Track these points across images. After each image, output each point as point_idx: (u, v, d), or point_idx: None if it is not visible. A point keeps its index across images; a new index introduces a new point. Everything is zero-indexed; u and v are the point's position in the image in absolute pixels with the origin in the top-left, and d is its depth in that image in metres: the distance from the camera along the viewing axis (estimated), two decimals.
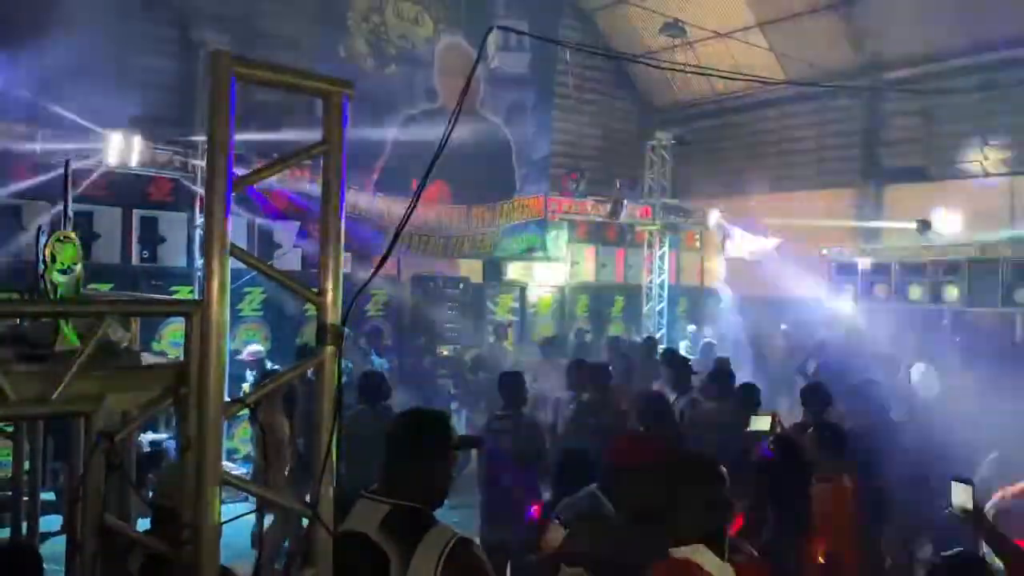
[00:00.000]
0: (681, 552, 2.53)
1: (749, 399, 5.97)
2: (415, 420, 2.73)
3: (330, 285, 1.91)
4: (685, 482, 2.71)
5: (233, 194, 1.76)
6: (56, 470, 7.65)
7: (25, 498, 3.71)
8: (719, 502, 2.63)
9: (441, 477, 2.57)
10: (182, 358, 2.06)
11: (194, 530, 1.77)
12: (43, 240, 2.75)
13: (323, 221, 1.91)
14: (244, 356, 8.98)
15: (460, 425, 9.38)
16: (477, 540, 2.84)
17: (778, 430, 4.64)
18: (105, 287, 8.78)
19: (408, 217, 2.09)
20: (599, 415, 6.27)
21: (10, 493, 3.73)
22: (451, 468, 2.61)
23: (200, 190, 10.18)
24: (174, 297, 9.50)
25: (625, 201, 13.78)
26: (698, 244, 17.10)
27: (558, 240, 14.12)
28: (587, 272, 16.00)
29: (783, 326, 13.92)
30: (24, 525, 3.70)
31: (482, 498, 5.70)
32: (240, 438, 10.34)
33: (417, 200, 2.19)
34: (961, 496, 3.46)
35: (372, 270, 2.20)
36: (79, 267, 2.71)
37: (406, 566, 2.33)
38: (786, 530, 3.28)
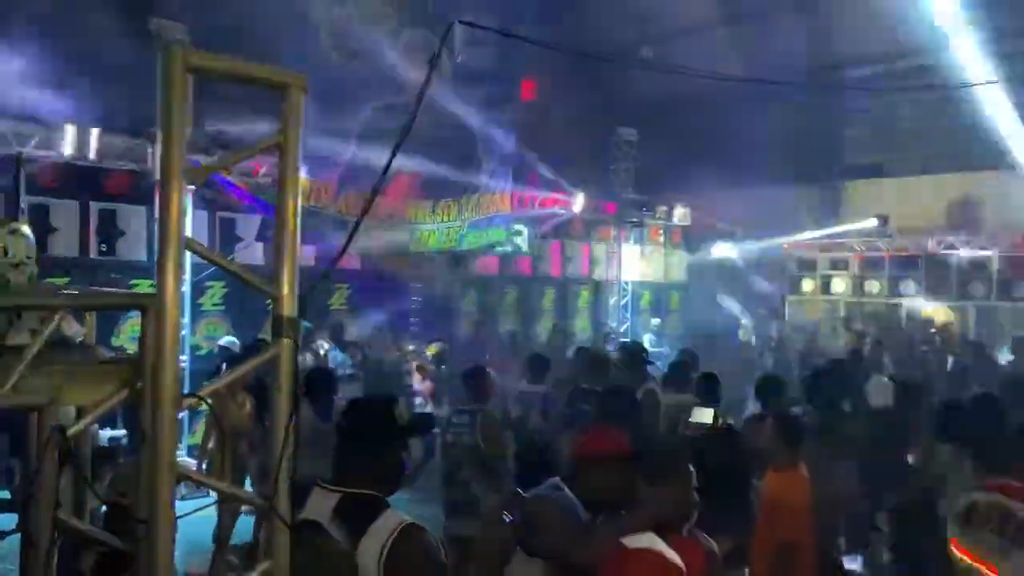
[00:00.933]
0: (638, 541, 2.57)
1: (710, 391, 5.90)
2: (359, 409, 2.75)
3: (285, 277, 1.91)
4: (652, 474, 2.75)
5: (193, 187, 1.75)
6: (11, 468, 7.52)
7: None
8: (685, 494, 2.69)
9: (390, 463, 2.57)
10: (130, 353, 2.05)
11: (148, 526, 1.76)
12: None
13: (279, 213, 1.91)
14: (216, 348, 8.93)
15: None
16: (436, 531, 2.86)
17: (719, 423, 4.67)
18: (62, 280, 8.62)
19: (367, 209, 2.10)
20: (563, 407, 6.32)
21: None
22: (400, 454, 2.61)
23: (158, 179, 10.03)
24: (129, 291, 9.38)
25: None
26: (662, 239, 17.27)
27: (523, 234, 14.16)
28: (552, 266, 16.09)
29: (742, 320, 14.14)
30: None
31: (443, 492, 5.72)
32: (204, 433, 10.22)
33: (376, 193, 2.19)
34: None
35: (332, 263, 2.20)
36: (32, 260, 2.66)
37: (354, 552, 2.35)
38: (722, 524, 3.34)
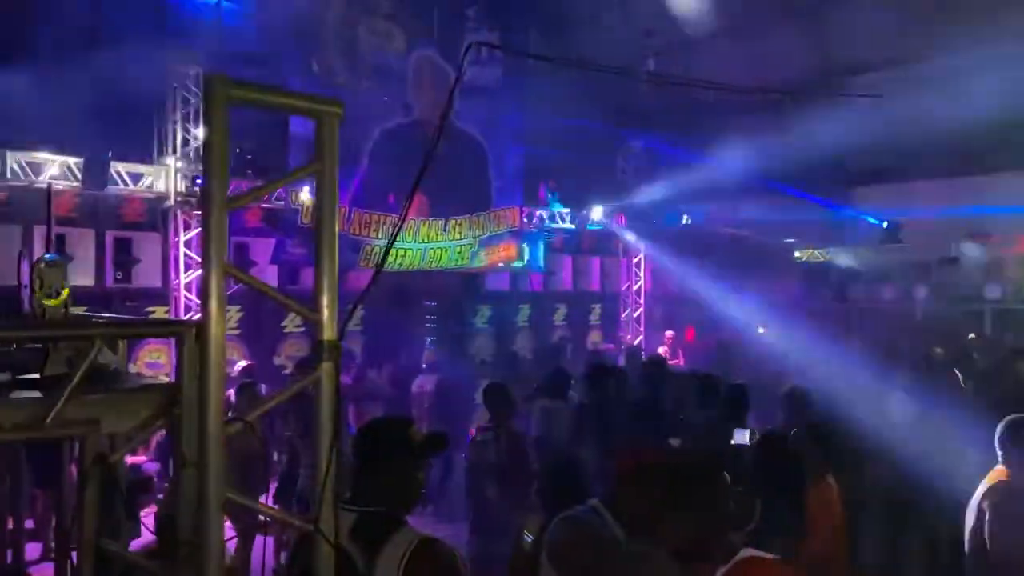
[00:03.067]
0: (747, 552, 2.54)
1: (736, 405, 5.75)
2: (374, 429, 2.80)
3: (325, 302, 1.93)
4: (682, 494, 2.72)
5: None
6: (35, 497, 7.55)
7: (9, 527, 3.66)
8: (718, 513, 2.67)
9: (405, 482, 2.62)
10: (162, 379, 2.07)
11: (197, 550, 1.78)
12: (26, 265, 2.73)
13: (317, 239, 1.93)
14: (234, 372, 8.95)
15: None
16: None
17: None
18: (79, 310, 8.67)
19: (397, 232, 2.11)
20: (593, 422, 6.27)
21: None
22: (415, 472, 2.65)
23: (172, 206, 10.12)
24: (163, 319, 9.45)
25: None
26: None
27: (534, 250, 14.20)
28: (564, 280, 16.11)
29: (760, 329, 14.02)
30: (9, 553, 3.66)
31: (468, 510, 5.71)
32: None
33: (405, 215, 2.21)
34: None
35: (367, 286, 2.22)
36: (66, 291, 2.70)
37: (372, 569, 2.37)
38: (775, 530, 3.31)
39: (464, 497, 5.86)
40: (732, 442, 4.22)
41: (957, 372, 7.63)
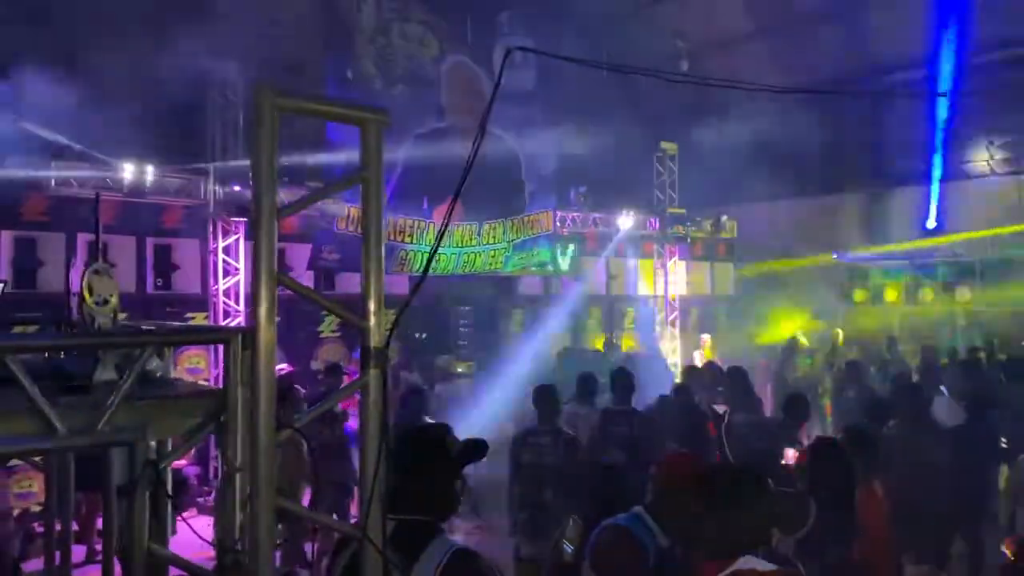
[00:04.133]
0: (745, 562, 2.51)
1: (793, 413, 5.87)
2: (410, 436, 2.78)
3: (372, 309, 1.93)
4: (739, 497, 2.69)
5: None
6: (78, 500, 7.70)
7: (57, 528, 3.72)
8: (770, 514, 2.63)
9: (442, 489, 2.60)
10: (202, 383, 2.09)
11: (250, 556, 1.79)
12: (76, 272, 2.78)
13: (365, 247, 1.93)
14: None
15: None
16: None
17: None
18: (122, 317, 8.81)
19: (440, 238, 2.11)
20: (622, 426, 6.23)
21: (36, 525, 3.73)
22: (453, 479, 2.63)
23: (211, 213, 10.25)
24: (212, 325, 9.57)
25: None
26: (707, 252, 17.14)
27: (568, 254, 14.17)
28: (598, 285, 16.04)
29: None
30: (57, 555, 3.71)
31: (521, 513, 5.59)
32: None
33: (448, 222, 2.21)
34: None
35: (413, 291, 2.22)
36: (114, 298, 2.74)
37: (387, 558, 2.37)
38: (832, 537, 3.26)
39: (507, 498, 5.79)
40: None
41: None
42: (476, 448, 2.77)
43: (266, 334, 1.78)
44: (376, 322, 1.92)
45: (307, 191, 9.17)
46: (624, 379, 6.57)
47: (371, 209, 1.92)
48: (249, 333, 1.97)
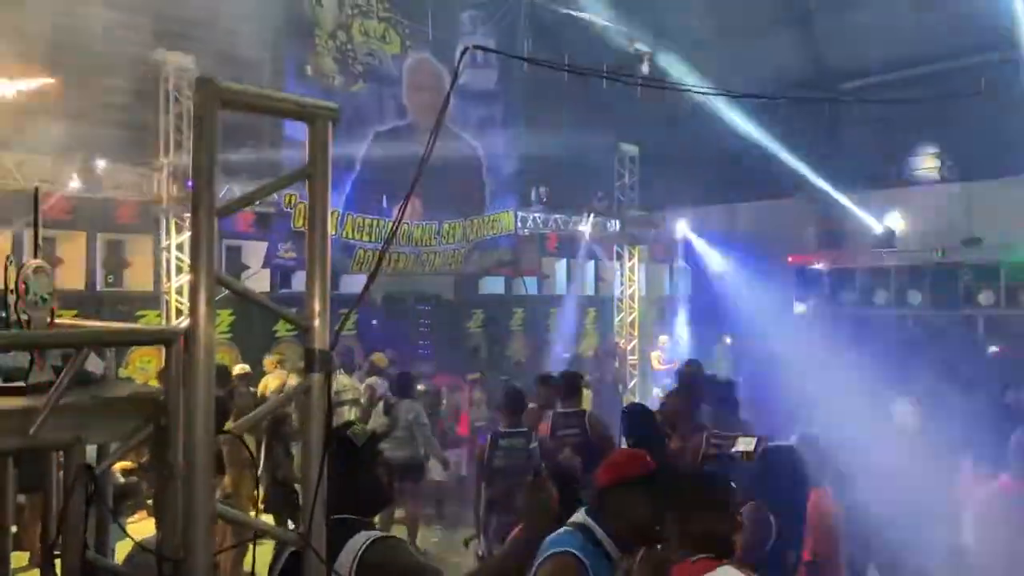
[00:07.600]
0: (724, 572, 2.45)
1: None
2: (334, 437, 2.76)
3: (317, 309, 1.88)
4: (684, 504, 2.66)
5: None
6: (20, 504, 7.47)
7: None
8: (722, 524, 2.61)
9: (366, 487, 2.65)
10: (151, 384, 2.02)
11: (186, 565, 1.72)
12: (10, 269, 2.67)
13: (309, 245, 1.88)
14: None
15: None
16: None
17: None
18: (69, 314, 8.57)
19: (392, 237, 2.06)
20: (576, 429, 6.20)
21: None
22: (375, 477, 2.68)
23: (163, 209, 10.04)
24: (153, 327, 9.35)
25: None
26: (665, 254, 17.27)
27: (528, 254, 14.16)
28: (558, 285, 16.07)
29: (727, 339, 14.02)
30: None
31: (486, 517, 5.55)
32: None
33: (400, 221, 2.16)
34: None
35: (362, 292, 2.17)
36: (52, 297, 2.64)
37: (331, 569, 2.35)
38: (787, 541, 3.26)
39: (482, 504, 5.70)
40: (733, 450, 4.19)
41: None
42: (378, 437, 2.81)
43: (205, 334, 1.72)
44: (321, 323, 1.86)
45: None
46: (573, 380, 6.44)
47: (317, 206, 1.86)
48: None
